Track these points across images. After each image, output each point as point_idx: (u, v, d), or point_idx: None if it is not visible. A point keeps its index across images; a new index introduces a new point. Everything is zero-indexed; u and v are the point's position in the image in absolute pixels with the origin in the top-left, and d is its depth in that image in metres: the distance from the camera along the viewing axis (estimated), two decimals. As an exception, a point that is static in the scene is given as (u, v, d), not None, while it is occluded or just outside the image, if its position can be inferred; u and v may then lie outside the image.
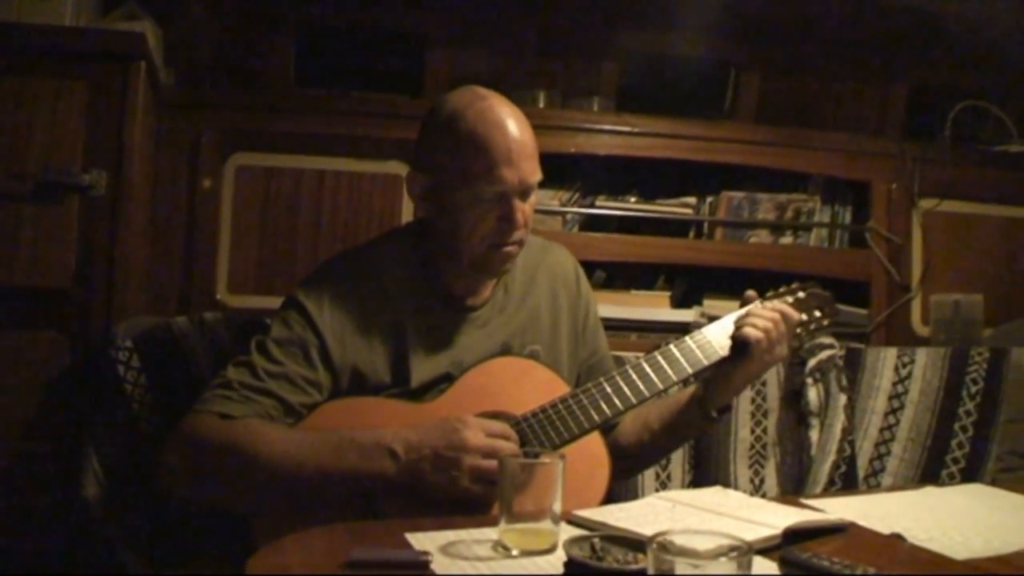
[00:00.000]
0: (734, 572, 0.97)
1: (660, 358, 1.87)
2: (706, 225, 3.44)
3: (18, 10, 2.47)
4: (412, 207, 2.95)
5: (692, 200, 3.43)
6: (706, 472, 2.61)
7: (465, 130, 1.78)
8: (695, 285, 3.41)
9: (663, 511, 1.55)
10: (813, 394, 2.72)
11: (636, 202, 3.40)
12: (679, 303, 3.34)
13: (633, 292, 3.32)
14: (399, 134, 3.04)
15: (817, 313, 2.04)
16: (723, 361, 1.89)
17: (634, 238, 3.31)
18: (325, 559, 1.28)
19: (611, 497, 1.79)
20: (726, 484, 2.55)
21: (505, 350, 1.92)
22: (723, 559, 0.97)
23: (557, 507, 1.36)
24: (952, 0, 3.28)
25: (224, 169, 3.00)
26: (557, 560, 1.29)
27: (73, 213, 2.36)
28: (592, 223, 3.37)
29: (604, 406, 1.80)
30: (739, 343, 1.87)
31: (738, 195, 3.43)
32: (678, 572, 0.97)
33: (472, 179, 1.77)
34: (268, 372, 1.72)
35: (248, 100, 3.10)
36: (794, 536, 1.41)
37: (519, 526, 1.34)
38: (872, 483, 2.75)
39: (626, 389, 1.83)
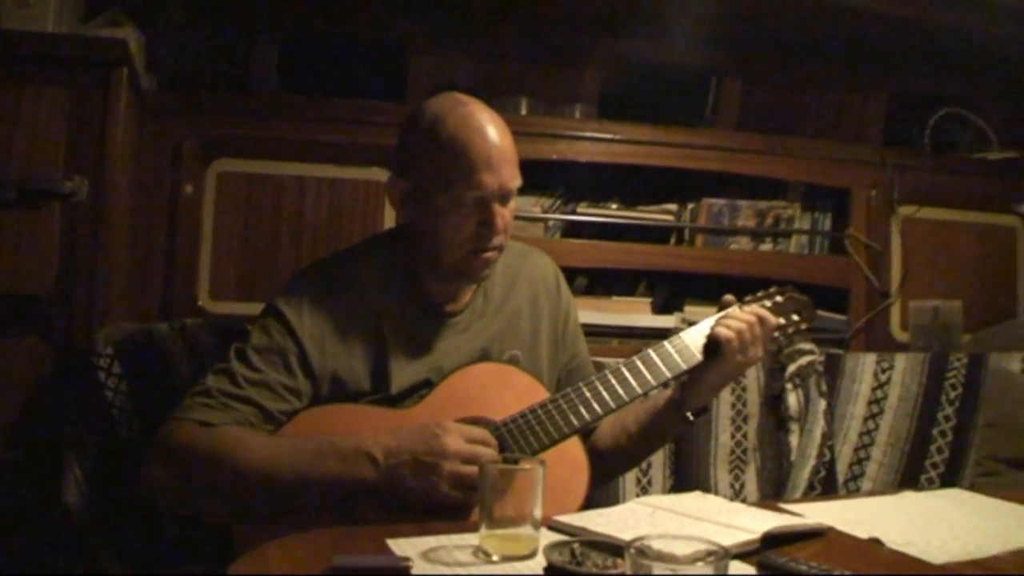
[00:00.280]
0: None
1: (639, 362, 1.88)
2: (687, 232, 3.45)
3: (-1, 16, 2.47)
4: (394, 214, 2.98)
5: (673, 207, 3.44)
6: (687, 477, 2.63)
7: (446, 135, 1.79)
8: (676, 291, 3.42)
9: (643, 516, 1.56)
10: (793, 399, 2.73)
11: (617, 209, 3.40)
12: (660, 309, 3.35)
13: (614, 298, 3.33)
14: (381, 140, 3.04)
15: (795, 317, 2.05)
16: (699, 363, 1.91)
17: (615, 244, 3.32)
18: (306, 565, 1.28)
19: (591, 502, 1.79)
20: (706, 489, 2.57)
21: (485, 355, 1.92)
22: (700, 563, 0.98)
23: (537, 513, 1.37)
24: (932, 9, 3.30)
25: (206, 175, 2.99)
26: (537, 565, 1.30)
27: (54, 219, 2.36)
28: (574, 229, 3.37)
29: (583, 411, 1.81)
30: (712, 344, 1.88)
31: (719, 202, 3.44)
32: (655, 576, 0.98)
33: (452, 184, 1.77)
34: (248, 379, 1.72)
35: (230, 106, 3.08)
36: (772, 540, 1.42)
37: (499, 532, 1.35)
38: (852, 488, 2.77)
39: (605, 394, 1.84)
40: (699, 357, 1.91)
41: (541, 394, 1.86)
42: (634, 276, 3.41)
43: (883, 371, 2.88)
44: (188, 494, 1.70)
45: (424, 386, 1.84)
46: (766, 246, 3.49)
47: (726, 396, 2.68)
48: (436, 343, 1.89)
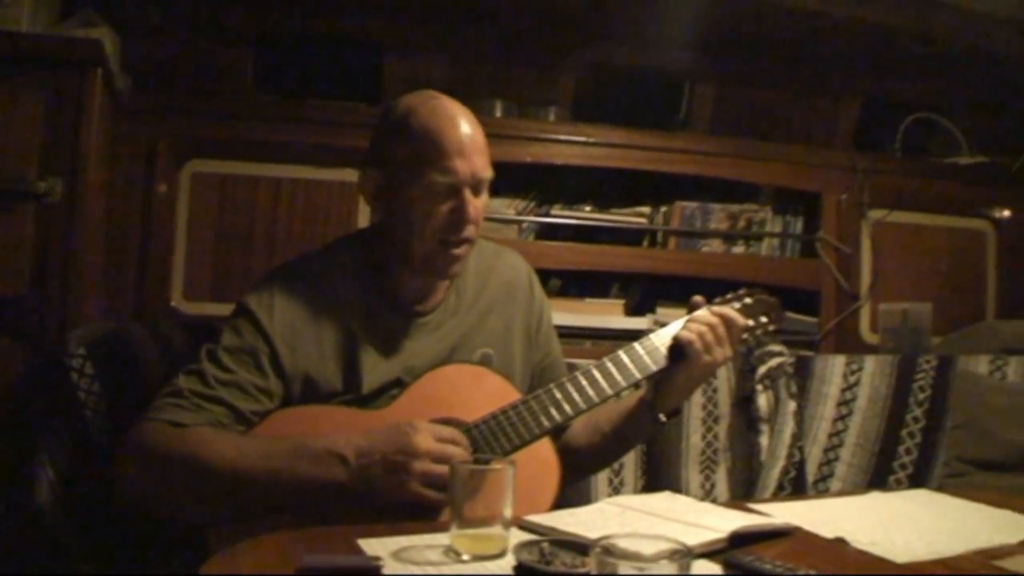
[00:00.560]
0: (675, 574, 0.99)
1: (609, 364, 1.89)
2: (660, 234, 3.47)
3: (-27, 16, 2.46)
4: (368, 216, 2.99)
5: (646, 210, 3.46)
6: (658, 477, 2.64)
7: (418, 124, 1.81)
8: (649, 293, 3.44)
9: (612, 516, 1.57)
10: (763, 400, 2.75)
11: (591, 211, 3.42)
12: (633, 311, 3.37)
13: (588, 300, 3.35)
14: (356, 142, 3.00)
15: (763, 319, 2.06)
16: (667, 366, 1.92)
17: (589, 247, 3.34)
18: (277, 565, 1.29)
19: (564, 502, 1.80)
20: (677, 489, 2.58)
21: (456, 354, 1.93)
22: (664, 562, 0.99)
23: (507, 512, 1.38)
24: (903, 15, 3.33)
25: (180, 176, 2.99)
26: (507, 564, 1.31)
27: (28, 220, 2.35)
28: (548, 232, 3.39)
29: (554, 412, 1.82)
30: (677, 346, 1.90)
31: (691, 205, 3.46)
32: (621, 575, 0.99)
33: (424, 170, 1.79)
34: (219, 380, 1.72)
35: (205, 107, 3.08)
36: (739, 540, 1.44)
37: (470, 531, 1.36)
38: (821, 488, 2.79)
39: (575, 395, 1.85)
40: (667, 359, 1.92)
41: (513, 395, 1.87)
42: (607, 278, 3.44)
43: (852, 373, 2.91)
44: (159, 494, 1.70)
45: (395, 386, 1.84)
46: (738, 249, 3.52)
47: (697, 397, 2.70)
48: (407, 343, 1.89)
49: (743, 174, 3.48)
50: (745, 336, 2.02)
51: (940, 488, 2.44)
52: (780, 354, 2.80)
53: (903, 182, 3.59)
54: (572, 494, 2.26)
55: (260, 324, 1.79)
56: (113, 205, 2.89)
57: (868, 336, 3.52)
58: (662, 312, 3.31)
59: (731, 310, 1.96)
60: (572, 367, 2.19)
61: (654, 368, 1.90)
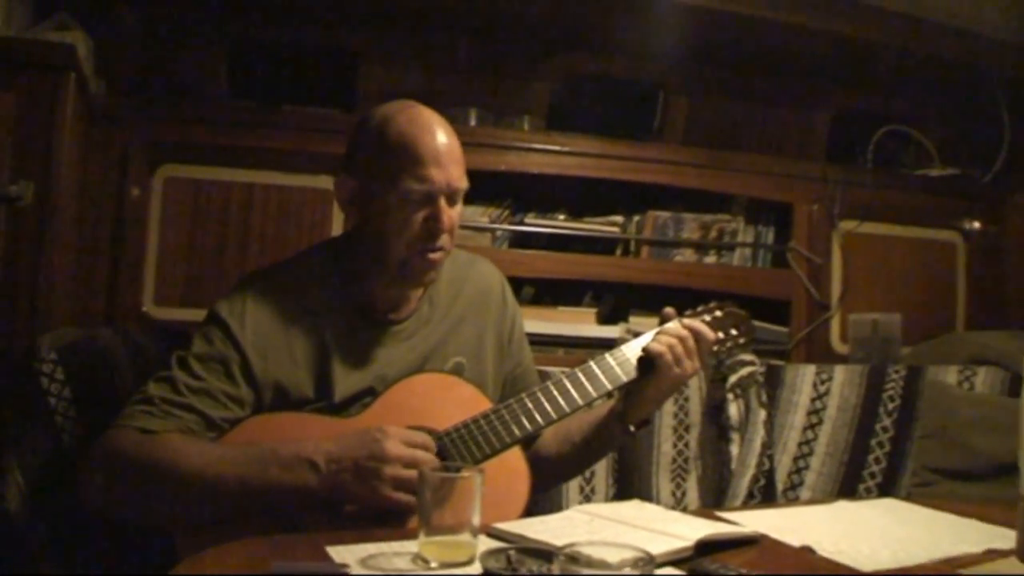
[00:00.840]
0: (638, 582, 1.00)
1: (580, 374, 1.90)
2: (633, 243, 3.48)
3: (-54, 19, 2.45)
4: (341, 222, 2.99)
5: (619, 219, 3.47)
6: (629, 485, 2.65)
7: (395, 131, 1.82)
8: (622, 302, 3.45)
9: (581, 524, 1.57)
10: (734, 409, 2.77)
11: (565, 220, 3.43)
12: (605, 319, 3.38)
13: (560, 308, 3.35)
14: (331, 149, 3.03)
15: (733, 331, 2.07)
16: (637, 377, 1.93)
17: (562, 255, 3.35)
18: (245, 572, 1.29)
19: (535, 510, 1.81)
20: (648, 497, 2.60)
21: (429, 363, 1.94)
22: (628, 569, 1.00)
23: (476, 520, 1.38)
24: (876, 28, 3.36)
25: (153, 181, 2.98)
26: (474, 572, 1.31)
27: (-1, 223, 2.35)
28: (521, 240, 3.40)
29: (525, 421, 1.83)
30: (646, 358, 1.91)
31: (664, 215, 3.48)
32: (584, 582, 1.00)
33: (400, 178, 1.79)
34: (189, 387, 1.72)
35: (178, 112, 3.07)
36: (706, 548, 1.45)
37: (438, 539, 1.36)
38: (791, 496, 2.81)
39: (546, 405, 1.85)
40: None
41: (484, 404, 1.87)
42: (580, 286, 3.44)
43: (822, 382, 2.93)
44: (129, 500, 1.70)
45: (368, 394, 1.84)
46: (710, 258, 3.53)
47: (669, 406, 2.71)
48: (380, 351, 1.89)
49: (716, 184, 3.50)
50: (716, 348, 2.03)
51: (908, 497, 2.47)
52: (751, 363, 2.82)
53: (874, 194, 3.62)
54: (544, 501, 2.28)
55: (231, 332, 1.79)
56: (85, 209, 2.87)
57: (838, 346, 3.54)
58: (635, 321, 3.32)
59: (701, 323, 1.97)
60: (544, 375, 2.20)
61: (624, 379, 1.91)
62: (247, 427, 1.76)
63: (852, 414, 2.90)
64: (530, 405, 1.85)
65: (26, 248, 2.37)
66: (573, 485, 2.56)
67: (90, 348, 2.19)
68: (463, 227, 3.03)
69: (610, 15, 3.21)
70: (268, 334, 1.81)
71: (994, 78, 3.63)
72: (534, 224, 3.39)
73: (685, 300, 2.11)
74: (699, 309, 2.08)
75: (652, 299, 3.34)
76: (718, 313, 2.08)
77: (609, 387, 1.90)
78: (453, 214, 1.86)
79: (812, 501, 2.71)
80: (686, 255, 3.51)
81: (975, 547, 1.57)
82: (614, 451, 2.59)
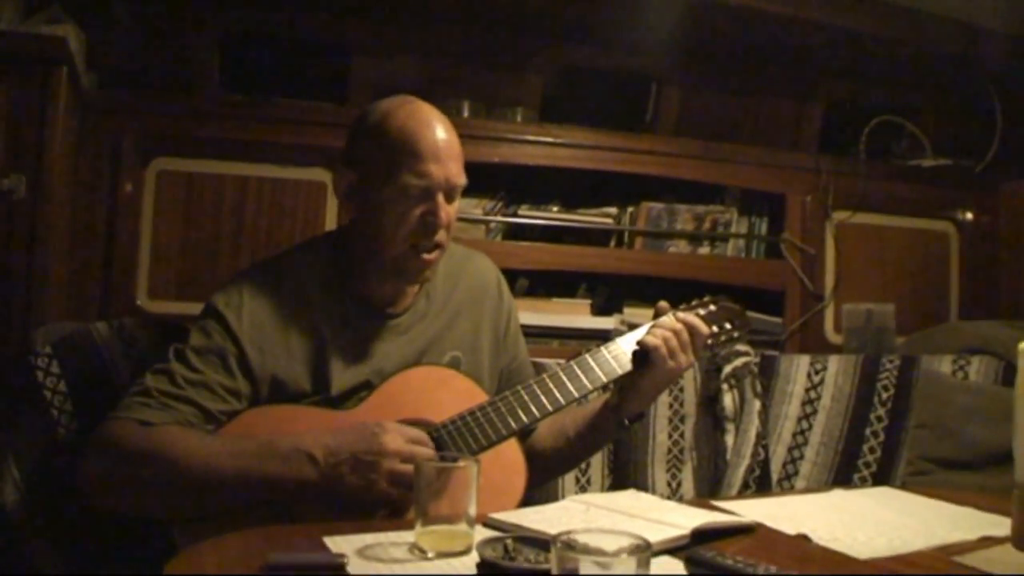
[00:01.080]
0: (634, 570, 1.00)
1: (576, 367, 1.91)
2: (627, 235, 3.48)
3: (-63, 13, 2.44)
4: (336, 215, 2.99)
5: (613, 210, 3.47)
6: (625, 476, 2.65)
7: (395, 126, 1.83)
8: (616, 293, 3.45)
9: (577, 513, 1.58)
10: (729, 400, 2.78)
11: (558, 211, 3.43)
12: (600, 311, 3.38)
13: (555, 300, 3.35)
14: (323, 141, 3.05)
15: (727, 325, 2.08)
16: (632, 371, 1.93)
17: (556, 247, 3.35)
18: (242, 563, 1.29)
19: (530, 500, 1.82)
20: (644, 487, 2.60)
21: (425, 357, 1.94)
22: (624, 556, 1.00)
23: (472, 510, 1.39)
24: (868, 18, 3.36)
25: (145, 174, 2.96)
26: (471, 561, 1.32)
27: (-9, 217, 2.34)
28: (515, 232, 3.39)
29: (521, 413, 1.83)
30: (640, 352, 1.91)
31: (658, 206, 3.48)
32: (581, 570, 1.00)
33: (399, 173, 1.80)
34: (187, 380, 1.72)
35: (171, 105, 3.05)
36: (702, 536, 1.45)
37: (435, 529, 1.37)
38: (786, 486, 2.81)
39: (542, 397, 1.86)
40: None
41: (480, 397, 1.88)
42: (574, 278, 3.44)
43: (817, 372, 2.93)
44: (127, 493, 1.70)
45: (364, 388, 1.85)
46: (704, 249, 3.54)
47: (664, 397, 2.71)
48: (377, 345, 1.90)
49: (709, 175, 3.50)
50: (710, 342, 2.04)
51: (904, 486, 2.47)
52: (745, 354, 2.83)
53: (867, 184, 3.63)
54: (539, 491, 2.27)
55: (228, 325, 1.79)
56: (78, 203, 2.87)
57: (832, 336, 3.55)
58: (629, 312, 3.32)
59: (695, 317, 1.98)
60: (539, 367, 2.21)
61: (619, 372, 1.92)
62: (245, 420, 1.76)
63: (846, 404, 2.91)
64: (526, 397, 1.85)
65: (19, 242, 2.36)
66: (569, 475, 2.57)
67: (85, 342, 2.19)
68: (457, 219, 3.03)
69: (603, 6, 3.20)
70: (265, 327, 1.81)
71: (986, 68, 3.64)
72: (528, 216, 3.38)
73: (679, 291, 2.12)
74: (693, 303, 2.09)
75: (646, 290, 3.34)
76: (712, 307, 2.08)
77: (604, 380, 1.91)
78: (450, 210, 1.87)
79: (807, 491, 2.71)
80: (680, 246, 3.51)
81: (970, 534, 1.57)
82: (607, 444, 2.60)
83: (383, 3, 3.20)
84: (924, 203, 3.75)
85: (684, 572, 1.31)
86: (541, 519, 1.51)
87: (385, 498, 1.65)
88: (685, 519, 1.50)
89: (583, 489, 2.59)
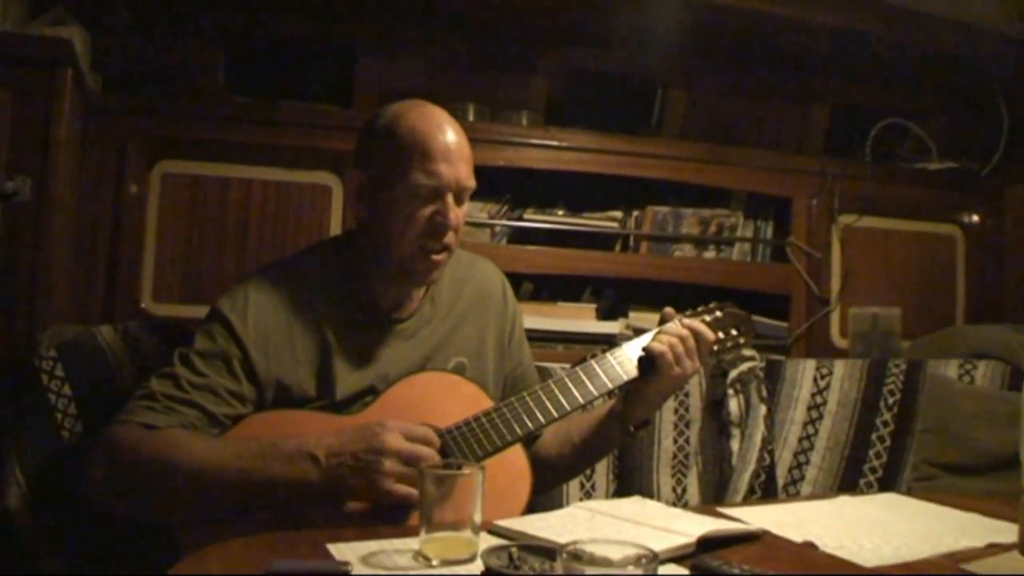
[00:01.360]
0: (641, 579, 1.00)
1: (581, 373, 1.90)
2: (632, 239, 3.48)
3: (-58, 15, 2.44)
4: (341, 218, 2.98)
5: (618, 214, 3.47)
6: (630, 481, 2.65)
7: (406, 126, 1.83)
8: (621, 297, 3.45)
9: (582, 521, 1.57)
10: (734, 405, 2.77)
11: (563, 215, 3.43)
12: (605, 315, 3.38)
13: (560, 304, 3.35)
14: (328, 144, 3.05)
15: (733, 332, 2.07)
16: (637, 377, 1.93)
17: (561, 251, 3.34)
18: (245, 569, 1.28)
19: (535, 507, 1.81)
20: (649, 493, 2.59)
21: (430, 362, 1.93)
22: (631, 567, 1.00)
23: (477, 517, 1.38)
24: (874, 21, 3.35)
25: (150, 176, 2.97)
26: (476, 569, 1.31)
27: (-4, 220, 2.34)
28: (520, 236, 3.39)
29: (526, 419, 1.83)
30: (646, 358, 1.91)
31: (663, 210, 3.48)
32: (587, 579, 1.00)
33: (410, 172, 1.80)
34: (191, 383, 1.72)
35: (176, 107, 3.06)
36: (708, 544, 1.44)
37: (439, 536, 1.36)
38: (791, 491, 2.80)
39: (548, 403, 1.85)
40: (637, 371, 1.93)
41: (485, 403, 1.87)
42: (580, 282, 3.44)
43: (822, 377, 2.92)
44: (131, 496, 1.70)
45: (369, 393, 1.84)
46: (709, 253, 3.53)
47: (669, 402, 2.70)
48: (382, 350, 1.89)
49: (715, 179, 3.50)
50: (716, 348, 2.03)
51: (910, 492, 2.47)
52: (751, 358, 2.82)
53: (873, 187, 3.62)
54: (544, 497, 2.27)
55: (233, 329, 1.79)
56: (83, 205, 2.87)
57: (838, 340, 3.54)
58: (634, 316, 3.32)
59: (701, 323, 1.97)
60: (544, 371, 2.20)
61: (625, 378, 1.91)
62: (249, 424, 1.76)
63: (852, 409, 2.90)
64: (531, 403, 1.85)
65: (24, 244, 2.37)
66: (574, 481, 2.56)
67: (90, 345, 2.19)
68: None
69: (608, 10, 3.21)
70: (270, 331, 1.81)
71: (992, 71, 3.63)
72: (533, 220, 3.38)
73: (685, 295, 2.11)
74: (699, 309, 2.08)
75: (652, 294, 3.34)
76: (718, 313, 2.08)
77: (610, 386, 1.90)
78: (459, 213, 1.87)
79: (813, 496, 2.71)
80: (685, 250, 3.50)
81: (977, 541, 1.57)
82: (613, 451, 2.59)
83: (389, 6, 3.20)
84: (930, 206, 3.74)
85: (690, 580, 1.31)
86: (546, 527, 1.50)
87: (387, 497, 1.64)
88: (691, 527, 1.50)
89: (588, 495, 2.59)
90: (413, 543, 1.39)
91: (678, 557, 1.39)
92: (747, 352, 2.81)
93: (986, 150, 3.80)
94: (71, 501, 2.00)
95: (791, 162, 3.59)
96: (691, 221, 3.50)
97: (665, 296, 2.14)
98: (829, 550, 1.50)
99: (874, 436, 2.89)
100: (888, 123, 3.80)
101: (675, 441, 2.72)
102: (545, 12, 3.24)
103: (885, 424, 2.90)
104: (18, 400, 2.15)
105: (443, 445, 1.76)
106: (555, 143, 3.32)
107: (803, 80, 3.70)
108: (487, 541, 1.41)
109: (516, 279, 2.85)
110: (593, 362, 1.92)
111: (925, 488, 2.74)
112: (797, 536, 1.57)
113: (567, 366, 1.94)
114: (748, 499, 2.65)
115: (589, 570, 0.99)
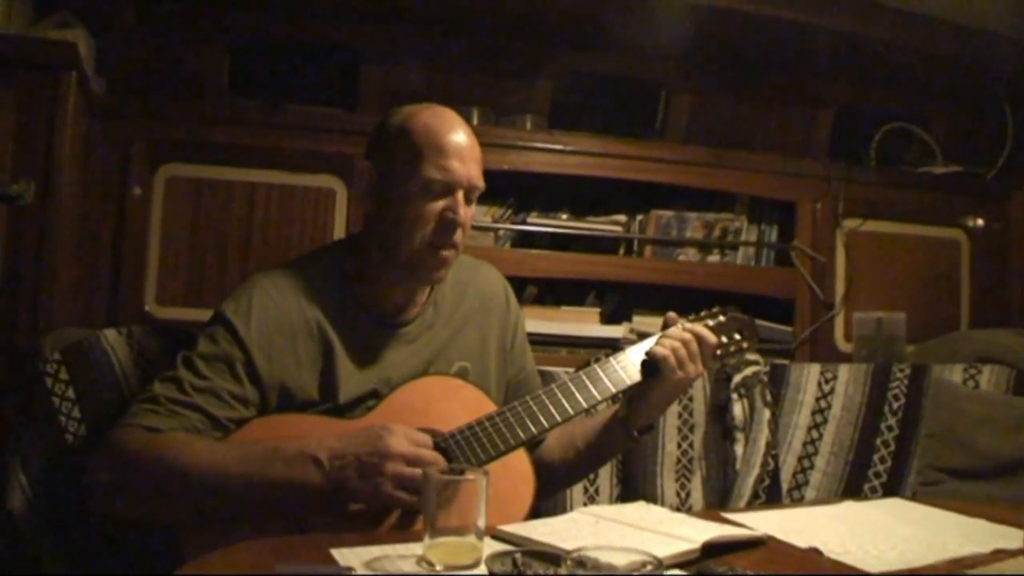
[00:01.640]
0: (647, 586, 1.00)
1: (584, 378, 1.90)
2: (636, 243, 3.48)
3: (-54, 18, 2.44)
4: (344, 222, 2.98)
5: (622, 218, 3.47)
6: (634, 486, 2.64)
7: (420, 124, 1.86)
8: (625, 301, 3.45)
9: (586, 526, 1.57)
10: (738, 409, 2.76)
11: (567, 219, 3.43)
12: (609, 319, 3.37)
13: (564, 308, 3.35)
14: (332, 148, 3.05)
15: (736, 336, 2.07)
16: (641, 381, 1.93)
17: (565, 255, 3.34)
18: (249, 574, 1.28)
19: (539, 511, 1.81)
20: (653, 498, 2.59)
21: (433, 367, 1.93)
22: (635, 573, 1.00)
23: (481, 522, 1.38)
24: (878, 24, 3.35)
25: (154, 179, 2.97)
26: (480, 574, 1.31)
27: (1, 222, 2.34)
28: (524, 239, 3.39)
29: (529, 424, 1.83)
30: (649, 362, 1.90)
31: (667, 213, 3.47)
32: (592, 587, 0.99)
33: (423, 167, 1.82)
34: (194, 387, 1.72)
35: (180, 110, 3.06)
36: (713, 550, 1.44)
37: (443, 541, 1.36)
38: (796, 496, 2.80)
39: (551, 407, 1.85)
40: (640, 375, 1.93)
41: (488, 407, 1.87)
42: (583, 286, 3.44)
43: (827, 381, 2.92)
44: (134, 499, 1.70)
45: (372, 397, 1.85)
46: (713, 257, 3.53)
47: (673, 406, 2.70)
48: (385, 354, 1.89)
49: (719, 183, 3.50)
50: (719, 353, 2.03)
51: (914, 496, 2.46)
52: (755, 363, 2.82)
53: (877, 191, 3.61)
54: (547, 501, 2.27)
55: (237, 332, 1.79)
56: (86, 208, 2.87)
57: (842, 345, 3.54)
58: (638, 320, 3.32)
59: (704, 328, 1.97)
60: (547, 375, 2.20)
61: (628, 382, 1.91)
62: (252, 428, 1.76)
63: (857, 413, 2.89)
64: (535, 407, 1.85)
65: (28, 247, 2.37)
66: (577, 486, 2.56)
67: (94, 348, 2.19)
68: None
69: (612, 13, 3.20)
70: (273, 335, 1.81)
71: (997, 75, 3.62)
72: (537, 224, 3.38)
73: (689, 299, 2.11)
74: (702, 314, 2.08)
75: (655, 299, 3.34)
76: (721, 318, 2.07)
77: (613, 390, 1.90)
78: (468, 212, 1.89)
79: (817, 501, 2.71)
80: (689, 254, 3.50)
81: (983, 547, 1.56)
82: (617, 456, 2.59)
83: (393, 10, 3.20)
84: (935, 210, 3.74)
85: (695, 587, 1.30)
86: (550, 532, 1.50)
87: (390, 501, 1.64)
88: (695, 532, 1.50)
89: (592, 499, 2.58)
90: (417, 548, 1.38)
91: (683, 563, 1.39)
92: (751, 356, 2.81)
93: (991, 154, 3.79)
94: (74, 504, 2.00)
95: (795, 166, 3.58)
96: (695, 225, 3.49)
97: (669, 300, 2.13)
98: (834, 556, 1.50)
99: (878, 441, 2.88)
100: (892, 127, 3.79)
101: (679, 445, 2.71)
102: (549, 16, 3.24)
103: (890, 429, 2.89)
104: (22, 403, 2.15)
105: (446, 449, 1.76)
106: (559, 147, 3.32)
107: (807, 84, 3.69)
108: (491, 546, 1.41)
109: (520, 283, 2.86)
110: (596, 366, 1.92)
111: (930, 493, 2.73)
112: (802, 542, 1.57)
113: (570, 370, 1.94)
114: (752, 504, 2.64)
115: (593, 577, 0.99)
